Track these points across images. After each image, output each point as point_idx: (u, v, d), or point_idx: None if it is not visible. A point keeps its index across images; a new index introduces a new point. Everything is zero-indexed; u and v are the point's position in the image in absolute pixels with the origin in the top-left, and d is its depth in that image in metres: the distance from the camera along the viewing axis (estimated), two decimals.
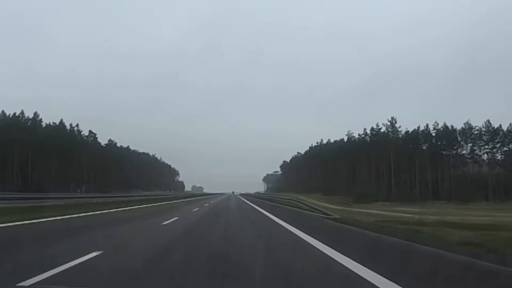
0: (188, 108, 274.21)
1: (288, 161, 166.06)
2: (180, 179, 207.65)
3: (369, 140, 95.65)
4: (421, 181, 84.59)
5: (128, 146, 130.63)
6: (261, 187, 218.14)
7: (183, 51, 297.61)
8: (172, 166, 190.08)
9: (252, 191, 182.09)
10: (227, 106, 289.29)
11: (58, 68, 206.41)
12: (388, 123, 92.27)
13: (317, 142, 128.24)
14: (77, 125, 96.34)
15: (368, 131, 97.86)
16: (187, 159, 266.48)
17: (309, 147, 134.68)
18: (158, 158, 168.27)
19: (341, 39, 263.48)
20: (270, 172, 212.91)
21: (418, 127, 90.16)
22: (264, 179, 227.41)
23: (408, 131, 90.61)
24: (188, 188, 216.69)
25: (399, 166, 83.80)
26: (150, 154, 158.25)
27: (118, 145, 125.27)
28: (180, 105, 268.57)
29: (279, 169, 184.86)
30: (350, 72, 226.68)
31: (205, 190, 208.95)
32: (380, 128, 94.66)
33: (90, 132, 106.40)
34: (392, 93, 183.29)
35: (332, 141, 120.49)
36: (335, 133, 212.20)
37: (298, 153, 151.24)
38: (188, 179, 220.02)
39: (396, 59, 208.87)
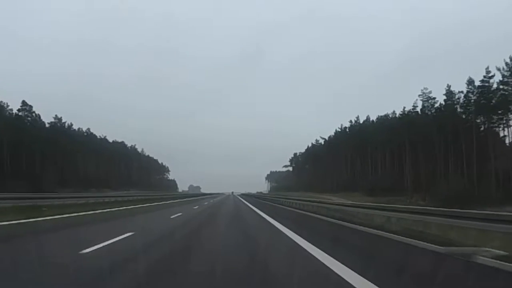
0: (185, 105, 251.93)
1: (302, 152, 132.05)
2: (171, 177, 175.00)
3: (461, 106, 59.55)
4: None
5: (88, 129, 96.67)
6: (264, 187, 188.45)
7: (180, 45, 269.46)
8: (160, 161, 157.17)
9: (253, 191, 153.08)
10: (227, 102, 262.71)
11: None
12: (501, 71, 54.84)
13: (352, 121, 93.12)
14: None
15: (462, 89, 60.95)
16: (186, 158, 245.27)
17: (335, 132, 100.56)
18: (139, 150, 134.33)
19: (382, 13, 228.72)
20: (275, 170, 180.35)
21: None
22: (268, 177, 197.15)
23: None
24: (184, 187, 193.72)
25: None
26: (128, 145, 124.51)
27: (76, 127, 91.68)
28: (176, 102, 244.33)
29: (288, 163, 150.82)
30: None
31: (203, 190, 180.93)
32: (493, 76, 57.28)
33: (24, 103, 73.11)
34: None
35: (372, 119, 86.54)
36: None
37: (318, 140, 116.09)
38: (186, 178, 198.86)
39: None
